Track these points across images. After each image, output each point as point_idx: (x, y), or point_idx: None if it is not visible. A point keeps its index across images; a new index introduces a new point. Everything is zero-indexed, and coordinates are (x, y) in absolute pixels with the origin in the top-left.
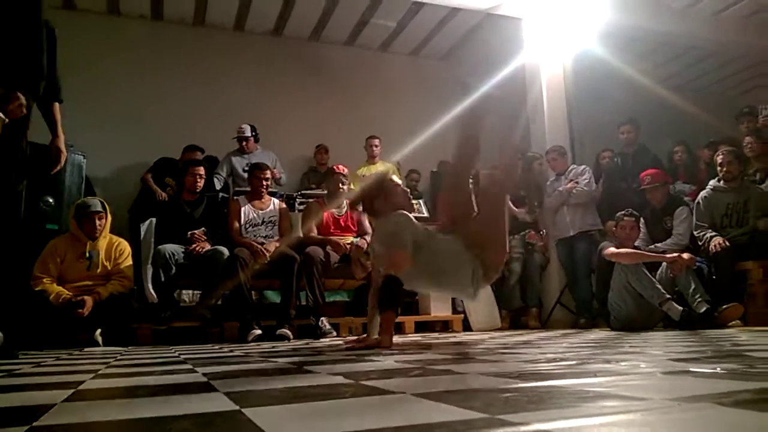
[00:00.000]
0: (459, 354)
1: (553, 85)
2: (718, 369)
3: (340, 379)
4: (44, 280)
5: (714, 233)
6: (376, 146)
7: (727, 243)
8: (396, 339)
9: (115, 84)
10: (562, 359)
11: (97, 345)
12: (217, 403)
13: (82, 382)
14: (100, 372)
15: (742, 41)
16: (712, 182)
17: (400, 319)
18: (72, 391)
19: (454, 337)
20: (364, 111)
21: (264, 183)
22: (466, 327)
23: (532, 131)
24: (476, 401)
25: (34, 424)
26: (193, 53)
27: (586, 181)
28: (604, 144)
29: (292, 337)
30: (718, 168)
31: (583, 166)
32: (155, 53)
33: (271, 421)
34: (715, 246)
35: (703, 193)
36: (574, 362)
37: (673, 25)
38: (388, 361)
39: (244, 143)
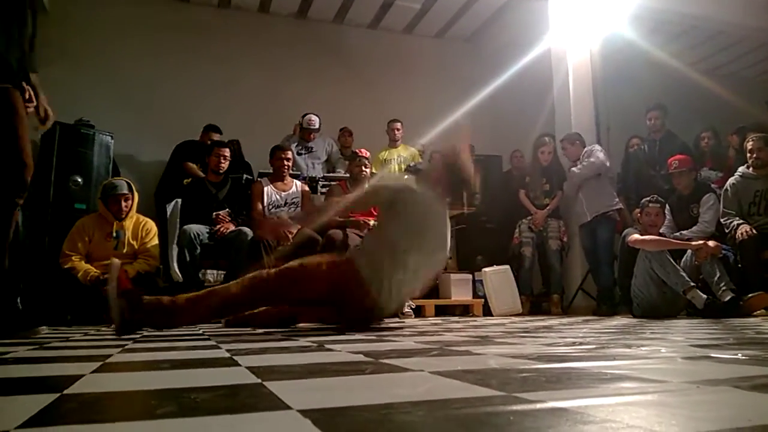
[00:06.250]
0: (478, 336)
1: (579, 68)
2: (739, 355)
3: (360, 357)
4: (73, 257)
5: (741, 221)
6: (398, 130)
7: (755, 231)
8: (416, 321)
9: (138, 65)
10: (581, 343)
11: None
12: (239, 376)
13: (109, 356)
14: (126, 347)
15: None
16: (741, 169)
17: (420, 302)
18: (100, 363)
19: (475, 321)
20: (388, 94)
21: (286, 164)
22: (487, 311)
23: (557, 115)
24: (494, 380)
25: (65, 392)
26: (217, 35)
27: (591, 160)
28: (631, 128)
29: None
30: (748, 155)
31: (593, 146)
32: (179, 35)
33: (291, 393)
34: (741, 234)
35: (731, 180)
36: (593, 346)
37: (704, 8)
38: (408, 342)
39: (312, 134)
